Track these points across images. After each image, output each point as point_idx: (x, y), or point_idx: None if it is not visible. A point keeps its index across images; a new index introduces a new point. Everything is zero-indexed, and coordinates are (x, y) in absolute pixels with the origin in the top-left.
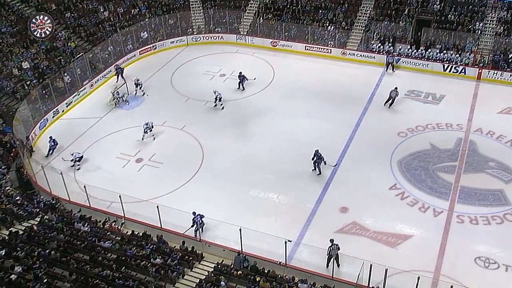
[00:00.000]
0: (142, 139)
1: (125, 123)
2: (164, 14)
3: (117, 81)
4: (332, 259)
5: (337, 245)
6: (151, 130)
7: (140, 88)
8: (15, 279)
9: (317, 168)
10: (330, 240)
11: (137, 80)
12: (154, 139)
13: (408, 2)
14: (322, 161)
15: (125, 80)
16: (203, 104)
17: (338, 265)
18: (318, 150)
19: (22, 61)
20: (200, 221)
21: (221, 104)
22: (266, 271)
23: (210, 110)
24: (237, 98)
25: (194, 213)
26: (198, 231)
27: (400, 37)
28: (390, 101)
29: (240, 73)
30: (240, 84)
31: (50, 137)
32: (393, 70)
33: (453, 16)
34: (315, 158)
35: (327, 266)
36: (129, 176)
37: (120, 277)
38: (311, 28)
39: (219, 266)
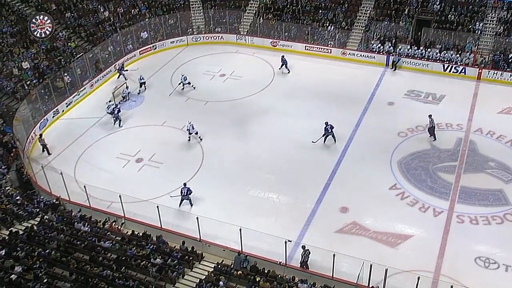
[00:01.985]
0: (189, 140)
1: (125, 123)
2: (164, 14)
3: (119, 78)
4: (304, 265)
5: (308, 250)
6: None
7: (144, 86)
8: (15, 279)
9: (324, 139)
10: (302, 246)
11: (141, 79)
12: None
13: (408, 2)
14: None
15: (125, 78)
16: (203, 104)
17: (308, 267)
18: (327, 122)
19: (22, 61)
20: (186, 193)
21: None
22: (266, 271)
23: (210, 110)
24: (237, 98)
25: (184, 184)
26: (185, 203)
27: (400, 37)
28: (431, 131)
29: (283, 56)
30: (284, 67)
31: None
32: (395, 69)
33: (453, 16)
34: (325, 132)
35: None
36: (129, 176)
37: (120, 277)
38: (311, 28)
39: (219, 266)
